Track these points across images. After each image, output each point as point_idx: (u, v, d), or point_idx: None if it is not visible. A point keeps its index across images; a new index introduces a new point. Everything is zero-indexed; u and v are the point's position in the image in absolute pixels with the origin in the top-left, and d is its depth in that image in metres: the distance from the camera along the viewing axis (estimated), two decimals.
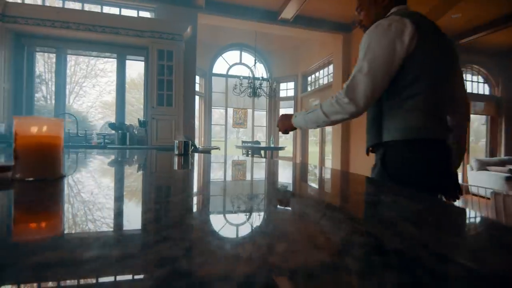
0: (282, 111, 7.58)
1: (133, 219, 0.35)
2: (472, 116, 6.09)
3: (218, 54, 7.02)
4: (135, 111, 5.29)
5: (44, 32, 3.61)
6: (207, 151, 3.51)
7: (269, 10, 4.75)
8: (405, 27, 0.86)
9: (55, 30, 3.57)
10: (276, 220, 0.37)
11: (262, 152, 6.12)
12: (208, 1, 4.35)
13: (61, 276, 0.19)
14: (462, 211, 0.50)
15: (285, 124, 1.18)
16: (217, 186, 0.66)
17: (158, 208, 0.40)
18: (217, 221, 0.35)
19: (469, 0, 3.87)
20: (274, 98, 7.22)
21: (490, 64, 6.14)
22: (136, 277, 0.19)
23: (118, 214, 0.37)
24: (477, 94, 6.27)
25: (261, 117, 7.92)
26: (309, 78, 7.07)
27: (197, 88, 6.73)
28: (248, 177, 0.89)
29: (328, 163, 6.19)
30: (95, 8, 4.17)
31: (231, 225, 0.34)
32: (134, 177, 0.82)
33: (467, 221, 0.41)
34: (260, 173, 0.99)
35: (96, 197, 0.47)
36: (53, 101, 4.03)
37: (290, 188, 0.66)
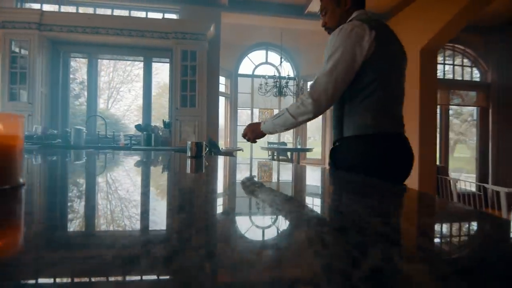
0: None
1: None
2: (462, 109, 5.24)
3: (243, 54, 6.93)
4: (167, 114, 5.40)
5: (76, 38, 3.77)
6: (229, 153, 3.39)
7: (295, 4, 4.53)
8: (365, 33, 0.94)
9: (86, 36, 3.71)
10: None
11: (288, 153, 5.88)
12: None
13: None
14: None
15: (255, 132, 1.23)
16: (218, 205, 0.49)
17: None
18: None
19: None
20: None
21: (477, 43, 5.12)
22: None
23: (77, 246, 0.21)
24: (466, 82, 5.14)
25: None
26: None
27: (222, 89, 6.72)
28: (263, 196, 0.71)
29: None
30: (124, 14, 4.29)
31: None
32: (114, 186, 0.67)
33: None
34: (277, 187, 0.80)
35: (52, 218, 0.33)
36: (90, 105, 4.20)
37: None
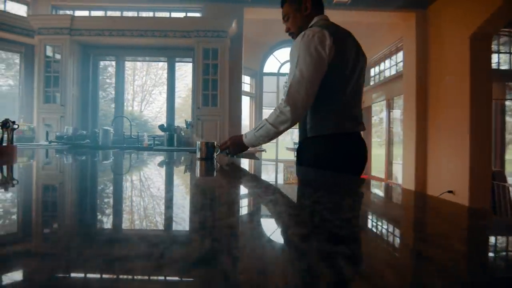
0: None
1: None
2: None
3: (268, 53, 6.74)
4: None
5: (104, 41, 3.86)
6: (252, 154, 3.21)
7: None
8: (325, 38, 0.99)
9: (113, 39, 3.79)
10: None
11: None
12: None
13: None
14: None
15: (238, 145, 1.21)
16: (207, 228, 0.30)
17: None
18: None
19: None
20: None
21: None
22: None
23: None
24: None
25: None
26: (372, 71, 6.18)
27: (247, 88, 6.59)
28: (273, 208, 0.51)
29: (397, 169, 5.24)
30: (148, 16, 4.33)
31: None
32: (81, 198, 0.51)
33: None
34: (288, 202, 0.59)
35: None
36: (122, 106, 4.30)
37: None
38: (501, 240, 0.30)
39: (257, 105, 6.63)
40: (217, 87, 3.63)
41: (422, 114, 4.09)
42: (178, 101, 5.27)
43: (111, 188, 0.62)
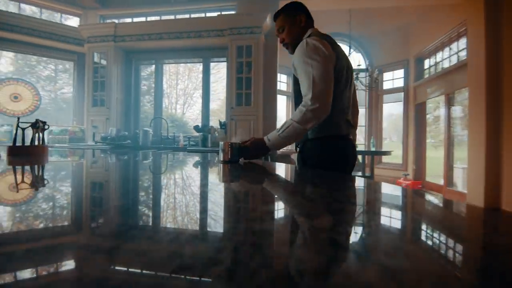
0: (386, 107, 6.20)
1: None
2: None
3: None
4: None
5: (144, 46, 4.01)
6: (286, 156, 2.99)
7: None
8: (327, 46, 1.09)
9: (152, 43, 3.90)
10: None
11: (360, 157, 5.07)
12: None
13: None
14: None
15: (259, 148, 1.17)
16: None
17: None
18: None
19: None
20: (376, 90, 5.97)
21: None
22: None
23: None
24: None
25: (362, 114, 6.74)
26: (426, 62, 5.46)
27: (283, 87, 6.35)
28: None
29: (458, 174, 4.49)
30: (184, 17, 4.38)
31: None
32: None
33: None
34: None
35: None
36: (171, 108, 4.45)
37: None
38: None
39: (294, 105, 6.35)
40: (251, 85, 3.49)
41: (494, 110, 3.41)
42: (217, 103, 5.30)
43: (138, 186, 0.63)
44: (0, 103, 4.06)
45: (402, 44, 5.70)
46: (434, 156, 5.44)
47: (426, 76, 5.33)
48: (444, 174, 4.69)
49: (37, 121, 1.40)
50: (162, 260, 0.20)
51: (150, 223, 0.33)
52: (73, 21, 4.62)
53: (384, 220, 0.38)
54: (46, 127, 1.45)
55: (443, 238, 0.31)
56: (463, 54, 4.22)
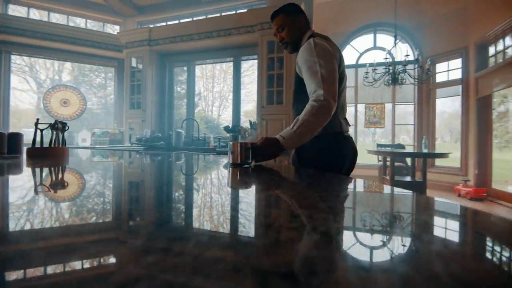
0: (439, 103, 5.45)
1: None
2: None
3: (344, 43, 5.96)
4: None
5: (177, 48, 4.04)
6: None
7: None
8: (331, 47, 1.13)
9: (184, 44, 3.91)
10: None
11: (408, 160, 4.50)
12: None
13: None
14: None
15: (272, 148, 1.08)
16: None
17: None
18: None
19: None
20: (427, 84, 5.28)
21: None
22: None
23: None
24: None
25: (406, 113, 6.06)
26: (490, 49, 4.64)
27: None
28: None
29: None
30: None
31: None
32: None
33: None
34: None
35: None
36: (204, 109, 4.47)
37: None
38: None
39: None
40: (282, 82, 3.26)
41: None
42: (253, 104, 5.16)
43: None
44: (52, 108, 4.44)
45: (458, 30, 4.95)
46: (501, 159, 4.60)
47: (491, 65, 4.53)
48: None
49: (56, 122, 1.38)
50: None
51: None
52: (113, 30, 4.89)
53: None
54: (66, 128, 1.42)
55: None
56: None
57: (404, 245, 0.26)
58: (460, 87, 5.02)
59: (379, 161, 4.93)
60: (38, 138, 1.32)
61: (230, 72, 5.72)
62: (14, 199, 0.43)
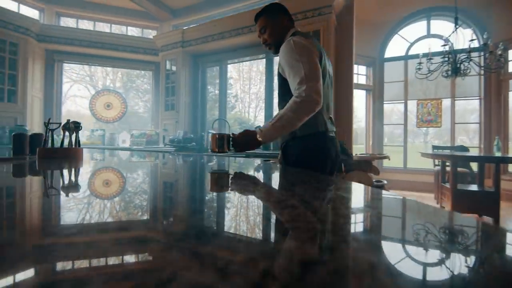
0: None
1: None
2: None
3: (391, 32, 5.34)
4: None
5: (209, 47, 3.97)
6: (366, 162, 2.32)
7: None
8: (311, 44, 1.11)
9: (215, 43, 3.82)
10: None
11: (473, 165, 3.77)
12: None
13: None
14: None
15: (248, 140, 1.14)
16: None
17: None
18: None
19: None
20: (498, 74, 4.42)
21: None
22: None
23: None
24: None
25: (465, 110, 5.20)
26: None
27: (362, 80, 5.45)
28: None
29: None
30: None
31: None
32: None
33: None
34: None
35: None
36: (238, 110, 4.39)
37: None
38: None
39: (376, 100, 5.36)
40: None
41: None
42: None
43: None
44: (97, 111, 4.73)
45: None
46: None
47: None
48: None
49: (68, 121, 1.30)
50: None
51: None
52: (151, 36, 5.05)
53: None
54: (80, 127, 1.35)
55: None
56: None
57: None
58: None
59: (435, 165, 4.25)
60: (67, 140, 1.25)
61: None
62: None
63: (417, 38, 5.31)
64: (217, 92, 4.60)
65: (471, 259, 0.23)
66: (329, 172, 1.21)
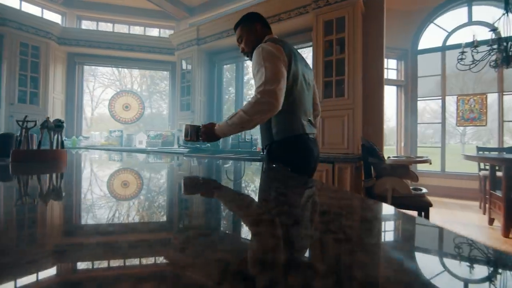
0: None
1: None
2: None
3: (426, 21, 4.81)
4: None
5: (224, 44, 3.78)
6: (401, 168, 1.95)
7: None
8: (280, 49, 1.14)
9: (231, 39, 3.62)
10: None
11: None
12: None
13: None
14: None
15: (208, 134, 1.24)
16: None
17: None
18: None
19: None
20: None
21: None
22: None
23: None
24: None
25: (509, 108, 4.53)
26: None
27: (392, 75, 4.98)
28: None
29: None
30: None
31: None
32: None
33: None
34: None
35: None
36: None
37: None
38: None
39: (409, 96, 4.85)
40: (343, 69, 2.61)
41: None
42: None
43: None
44: (116, 112, 4.73)
45: None
46: None
47: None
48: None
49: (47, 119, 1.13)
50: None
51: None
52: (164, 33, 4.97)
53: None
54: (62, 126, 1.17)
55: None
56: None
57: None
58: None
59: (480, 169, 3.70)
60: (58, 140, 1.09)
61: None
62: None
63: (457, 27, 4.74)
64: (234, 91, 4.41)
65: None
66: (312, 169, 1.30)
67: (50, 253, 0.23)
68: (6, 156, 1.18)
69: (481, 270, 0.22)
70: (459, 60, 3.43)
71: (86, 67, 4.76)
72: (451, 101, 4.90)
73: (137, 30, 5.19)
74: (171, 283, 0.18)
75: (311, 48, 3.12)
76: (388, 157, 2.22)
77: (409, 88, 4.86)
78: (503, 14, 3.53)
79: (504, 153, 3.54)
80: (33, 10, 4.32)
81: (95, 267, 0.20)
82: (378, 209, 0.39)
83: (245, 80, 4.21)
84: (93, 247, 0.24)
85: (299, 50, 3.82)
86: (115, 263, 0.21)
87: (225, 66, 4.29)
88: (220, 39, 3.70)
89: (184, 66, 4.15)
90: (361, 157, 2.25)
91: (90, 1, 4.67)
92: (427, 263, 0.22)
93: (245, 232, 0.31)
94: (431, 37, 4.94)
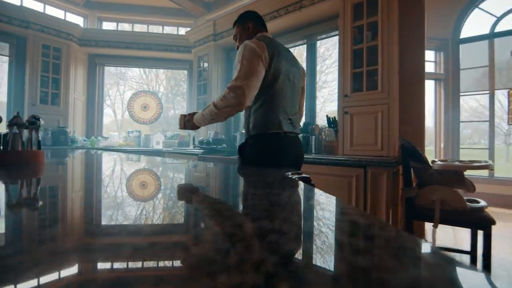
0: None
1: None
2: None
3: (469, 6, 4.24)
4: None
5: None
6: (454, 173, 1.58)
7: None
8: (262, 45, 1.16)
9: None
10: None
11: None
12: None
13: None
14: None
15: (190, 122, 1.32)
16: None
17: None
18: None
19: None
20: None
21: None
22: None
23: None
24: None
25: None
26: None
27: (430, 68, 4.45)
28: None
29: None
30: None
31: None
32: None
33: None
34: None
35: None
36: None
37: None
38: None
39: (449, 92, 4.30)
40: (376, 58, 2.25)
41: None
42: (335, 104, 4.33)
43: None
44: (134, 112, 4.69)
45: None
46: None
47: None
48: None
49: (16, 116, 0.94)
50: None
51: None
52: (181, 30, 4.86)
53: None
54: (38, 123, 0.98)
55: None
56: None
57: None
58: None
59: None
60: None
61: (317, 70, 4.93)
62: None
63: (508, 10, 4.11)
64: None
65: None
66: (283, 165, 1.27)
67: None
68: None
69: None
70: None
71: (113, 71, 4.78)
72: (502, 96, 4.27)
73: (155, 30, 5.14)
74: None
75: (337, 39, 2.78)
76: (433, 161, 1.84)
77: (449, 82, 4.30)
78: None
79: None
80: (57, 13, 4.40)
81: None
82: None
83: None
84: None
85: (323, 41, 3.49)
86: None
87: None
88: None
89: (201, 64, 3.98)
90: (399, 161, 1.89)
91: (111, 2, 4.69)
92: None
93: None
94: (475, 24, 4.35)
